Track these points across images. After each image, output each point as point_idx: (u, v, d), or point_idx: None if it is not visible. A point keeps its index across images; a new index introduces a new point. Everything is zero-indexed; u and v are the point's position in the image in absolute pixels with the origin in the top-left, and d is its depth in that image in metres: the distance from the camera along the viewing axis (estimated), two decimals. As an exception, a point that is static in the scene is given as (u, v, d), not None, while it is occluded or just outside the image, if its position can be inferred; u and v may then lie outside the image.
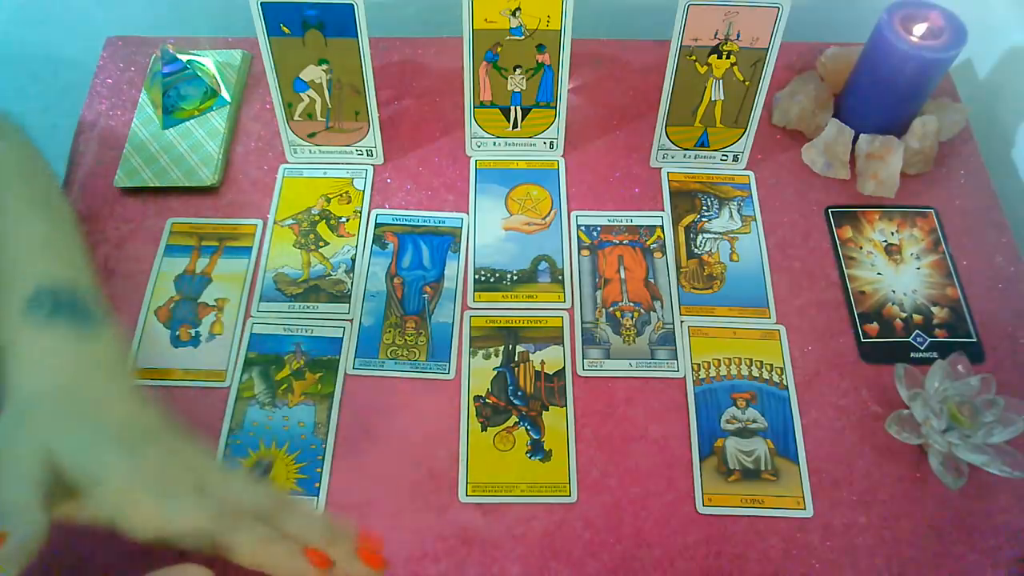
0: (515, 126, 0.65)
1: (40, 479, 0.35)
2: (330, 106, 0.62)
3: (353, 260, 0.61)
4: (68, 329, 0.41)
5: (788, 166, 0.67)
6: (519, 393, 0.56)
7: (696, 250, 0.63)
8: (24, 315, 0.41)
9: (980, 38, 0.63)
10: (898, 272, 0.62)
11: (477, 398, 0.55)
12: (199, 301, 0.59)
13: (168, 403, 0.54)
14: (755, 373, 0.57)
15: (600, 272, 0.61)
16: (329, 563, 0.37)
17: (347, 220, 0.63)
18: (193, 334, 0.58)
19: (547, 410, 0.55)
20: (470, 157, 0.67)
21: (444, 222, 0.63)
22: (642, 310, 0.60)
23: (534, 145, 0.66)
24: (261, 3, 0.55)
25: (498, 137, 0.66)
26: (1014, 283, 0.61)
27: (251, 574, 0.37)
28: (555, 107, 0.64)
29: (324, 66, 0.60)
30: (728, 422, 0.55)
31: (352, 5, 0.56)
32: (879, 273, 0.62)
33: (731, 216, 0.64)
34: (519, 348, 0.58)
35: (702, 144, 0.65)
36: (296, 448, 0.53)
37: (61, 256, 0.46)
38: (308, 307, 0.59)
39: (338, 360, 0.57)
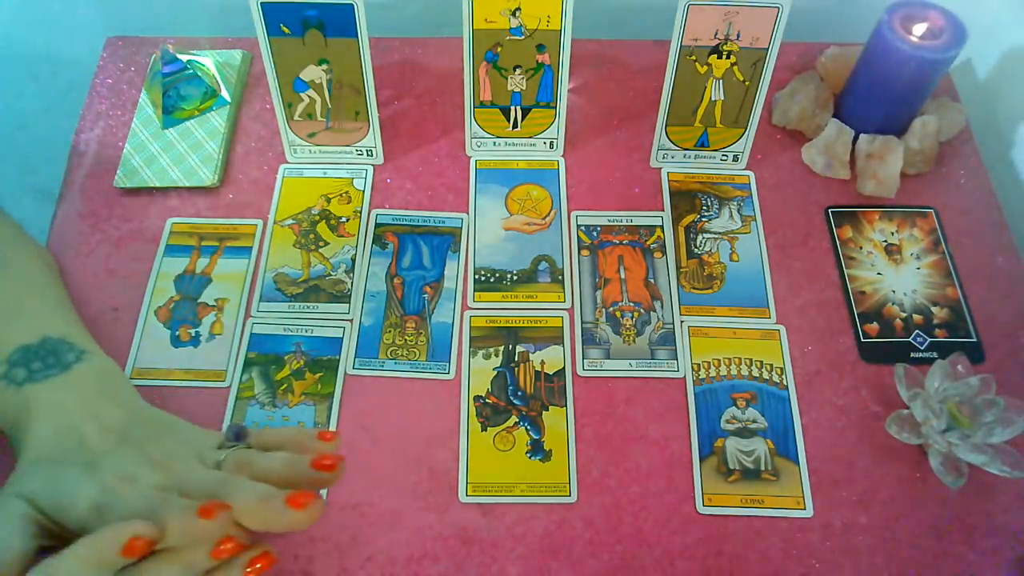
0: (515, 126, 0.65)
1: (25, 515, 0.39)
2: (330, 106, 0.62)
3: (353, 260, 0.61)
4: (46, 377, 0.46)
5: (788, 166, 0.67)
6: (519, 393, 0.56)
7: (696, 250, 0.63)
8: (5, 386, 0.45)
9: (980, 38, 0.63)
10: (898, 272, 0.62)
11: (477, 398, 0.55)
12: (199, 301, 0.59)
13: (168, 403, 0.55)
14: (755, 373, 0.57)
15: (600, 272, 0.61)
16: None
17: (347, 220, 0.63)
18: (193, 334, 0.58)
19: (547, 410, 0.55)
20: (470, 157, 0.67)
21: (444, 222, 0.63)
22: (642, 310, 0.60)
23: (534, 145, 0.66)
24: (261, 3, 0.55)
25: (498, 137, 0.66)
26: (1014, 283, 0.61)
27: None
28: (555, 107, 0.64)
29: (324, 66, 0.60)
30: (728, 422, 0.55)
31: (352, 5, 0.56)
32: (879, 273, 0.62)
33: (731, 216, 0.64)
34: (519, 348, 0.58)
35: (702, 144, 0.65)
36: (296, 448, 0.53)
37: (23, 315, 0.50)
38: (308, 307, 0.59)
39: (338, 360, 0.57)
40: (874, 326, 0.59)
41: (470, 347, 0.57)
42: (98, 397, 0.46)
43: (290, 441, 0.44)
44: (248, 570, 0.39)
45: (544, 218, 0.64)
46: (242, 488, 0.40)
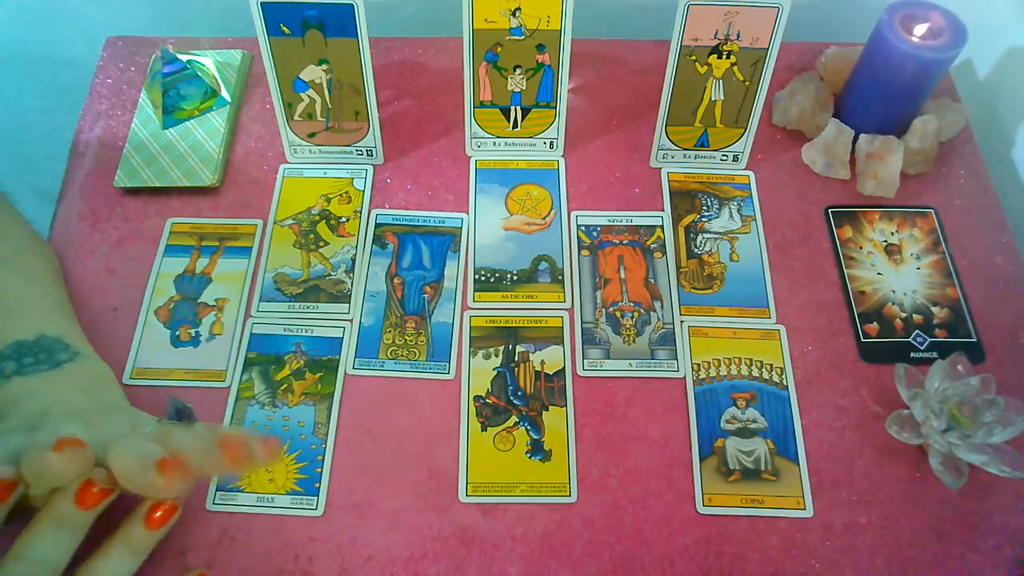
0: (515, 126, 0.65)
1: None
2: (330, 106, 0.62)
3: (353, 260, 0.61)
4: (35, 372, 0.45)
5: (788, 166, 0.67)
6: (519, 393, 0.56)
7: (696, 250, 0.63)
8: None
9: (980, 38, 0.63)
10: (898, 272, 0.62)
11: (477, 398, 0.55)
12: (199, 301, 0.59)
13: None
14: (755, 373, 0.57)
15: (600, 272, 0.61)
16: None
17: (347, 220, 0.63)
18: (193, 334, 0.58)
19: (547, 410, 0.55)
20: (470, 157, 0.67)
21: (444, 222, 0.63)
22: (642, 310, 0.60)
23: (534, 145, 0.66)
24: (261, 3, 0.55)
25: (498, 137, 0.66)
26: (1014, 283, 0.61)
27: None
28: (555, 107, 0.64)
29: (324, 66, 0.60)
30: (728, 422, 0.55)
31: (352, 5, 0.56)
32: (879, 273, 0.62)
33: (731, 216, 0.64)
34: (519, 348, 0.58)
35: (702, 144, 0.65)
36: (296, 448, 0.53)
37: (24, 312, 0.50)
38: (308, 307, 0.59)
39: (338, 360, 0.57)
40: (874, 326, 0.59)
41: (470, 347, 0.57)
42: (80, 392, 0.46)
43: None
44: (151, 517, 0.38)
45: (544, 218, 0.64)
46: (130, 443, 0.38)
